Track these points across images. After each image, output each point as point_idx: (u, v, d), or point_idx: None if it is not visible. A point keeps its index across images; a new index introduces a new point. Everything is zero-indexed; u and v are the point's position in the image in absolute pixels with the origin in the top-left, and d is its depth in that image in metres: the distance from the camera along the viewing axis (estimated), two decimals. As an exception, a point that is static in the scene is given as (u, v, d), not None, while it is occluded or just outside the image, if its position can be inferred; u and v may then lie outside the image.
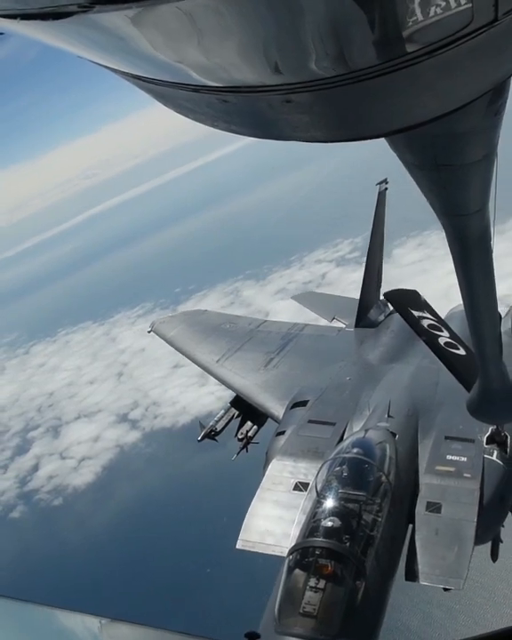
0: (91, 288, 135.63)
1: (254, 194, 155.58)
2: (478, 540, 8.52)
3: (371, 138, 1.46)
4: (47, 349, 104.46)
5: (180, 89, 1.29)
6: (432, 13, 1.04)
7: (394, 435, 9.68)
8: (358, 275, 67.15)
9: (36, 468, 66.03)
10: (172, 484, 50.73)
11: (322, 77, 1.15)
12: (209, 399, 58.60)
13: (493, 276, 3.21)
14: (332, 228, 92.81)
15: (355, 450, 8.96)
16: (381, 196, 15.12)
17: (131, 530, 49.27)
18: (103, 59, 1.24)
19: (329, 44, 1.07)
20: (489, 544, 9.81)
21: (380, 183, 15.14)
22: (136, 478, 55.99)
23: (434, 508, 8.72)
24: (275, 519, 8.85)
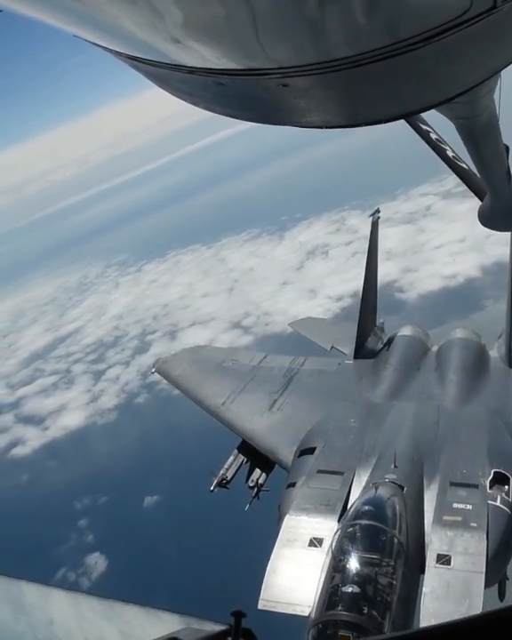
0: (197, 216, 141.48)
1: (360, 132, 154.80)
2: (486, 584, 8.64)
3: (369, 124, 1.45)
4: (158, 268, 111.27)
5: (175, 71, 1.28)
6: None
7: (402, 488, 9.87)
8: (464, 207, 69.02)
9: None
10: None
11: (318, 62, 1.12)
12: (318, 310, 63.07)
13: (500, 132, 3.38)
14: (439, 164, 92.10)
15: (365, 508, 9.18)
16: (374, 226, 15.17)
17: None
18: (99, 38, 1.24)
19: (325, 27, 1.03)
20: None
21: (372, 214, 15.31)
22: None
23: (444, 560, 8.79)
24: (294, 578, 8.99)
